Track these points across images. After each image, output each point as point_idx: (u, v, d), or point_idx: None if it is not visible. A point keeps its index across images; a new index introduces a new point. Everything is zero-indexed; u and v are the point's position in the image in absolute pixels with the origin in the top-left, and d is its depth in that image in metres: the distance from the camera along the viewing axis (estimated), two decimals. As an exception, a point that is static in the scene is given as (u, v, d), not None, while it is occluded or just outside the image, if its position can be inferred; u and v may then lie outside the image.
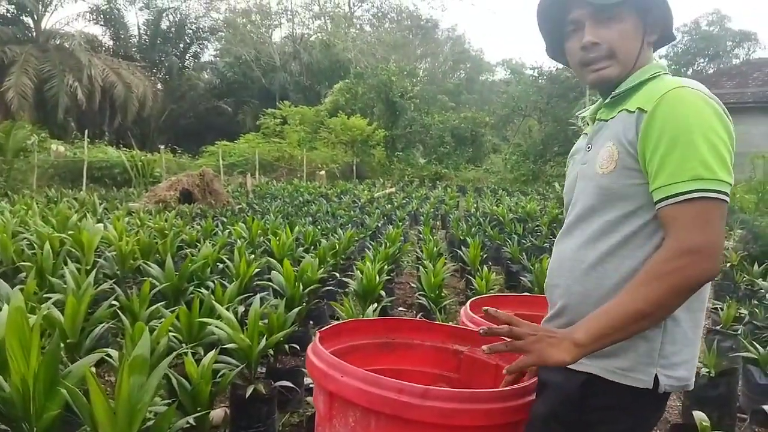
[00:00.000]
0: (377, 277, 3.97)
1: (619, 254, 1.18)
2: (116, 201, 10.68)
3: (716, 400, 2.98)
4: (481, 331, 1.18)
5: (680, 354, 1.16)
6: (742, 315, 4.22)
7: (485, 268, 4.89)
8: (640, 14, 1.24)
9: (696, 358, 1.21)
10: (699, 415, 2.46)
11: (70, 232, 4.54)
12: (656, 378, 1.14)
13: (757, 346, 3.35)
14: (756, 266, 5.80)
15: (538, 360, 1.13)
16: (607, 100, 1.29)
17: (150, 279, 3.56)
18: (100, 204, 8.74)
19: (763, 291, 5.04)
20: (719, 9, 27.13)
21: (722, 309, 4.20)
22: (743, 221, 7.94)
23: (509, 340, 1.17)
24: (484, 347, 1.19)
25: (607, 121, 1.27)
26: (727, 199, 1.08)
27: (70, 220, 5.38)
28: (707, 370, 3.07)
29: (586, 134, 1.38)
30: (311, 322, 3.83)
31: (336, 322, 1.96)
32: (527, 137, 23.38)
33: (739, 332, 3.89)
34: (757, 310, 4.26)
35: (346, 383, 1.43)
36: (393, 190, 16.88)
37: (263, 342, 2.75)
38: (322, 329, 1.79)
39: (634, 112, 1.17)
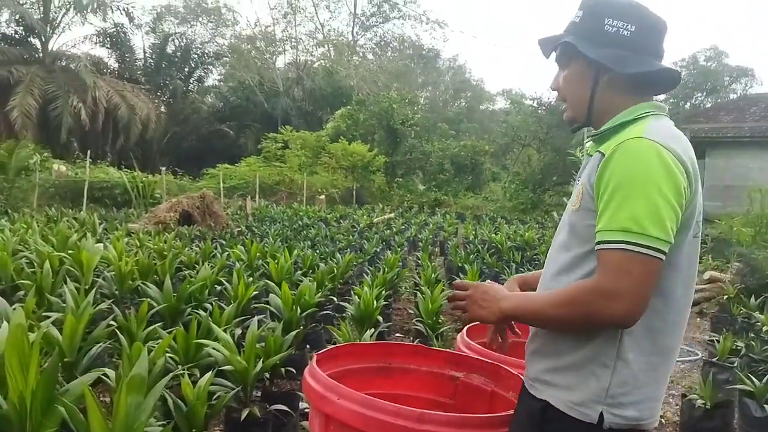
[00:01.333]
0: (375, 302, 3.98)
1: None
2: (116, 221, 10.70)
3: (712, 431, 2.98)
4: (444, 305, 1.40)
5: (629, 395, 1.20)
6: (739, 348, 4.22)
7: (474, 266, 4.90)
8: (585, 57, 1.28)
9: (655, 399, 1.24)
10: (694, 447, 2.46)
11: (69, 252, 4.56)
12: (601, 414, 1.19)
13: (754, 379, 3.35)
14: (753, 299, 5.82)
15: (473, 319, 1.37)
16: (592, 136, 1.35)
17: (148, 300, 3.57)
18: (100, 224, 8.77)
19: (759, 324, 5.05)
20: (717, 45, 27.64)
21: (718, 341, 4.20)
22: (740, 254, 7.97)
23: (456, 302, 1.40)
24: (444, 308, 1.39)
25: (591, 157, 1.33)
26: (655, 254, 1.11)
27: (69, 240, 5.40)
28: (702, 402, 3.07)
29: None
30: (308, 345, 3.83)
31: (333, 346, 1.98)
32: (526, 166, 23.54)
33: (735, 365, 3.89)
34: (753, 343, 4.26)
35: (342, 406, 1.45)
36: (392, 215, 16.93)
37: (260, 365, 2.76)
38: (320, 352, 1.81)
39: (602, 155, 1.22)
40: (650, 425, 1.25)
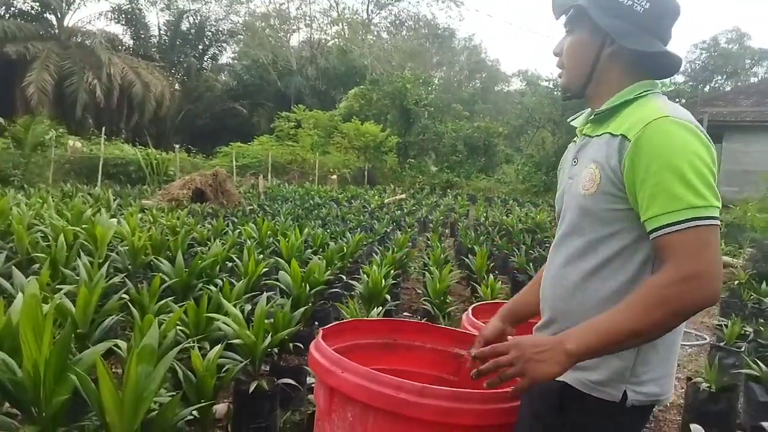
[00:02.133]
0: (383, 280, 4.02)
1: (600, 275, 1.23)
2: (130, 198, 10.82)
3: (716, 415, 2.99)
4: (473, 375, 1.25)
5: (651, 372, 1.22)
6: (747, 333, 4.21)
7: (491, 277, 4.92)
8: (593, 24, 1.26)
9: (670, 374, 1.26)
10: (696, 428, 2.48)
11: (84, 226, 4.63)
12: (625, 393, 1.20)
13: (760, 364, 3.35)
14: (764, 285, 5.78)
15: (533, 380, 1.14)
16: (591, 116, 1.33)
17: (160, 274, 3.63)
18: (114, 200, 8.87)
19: (770, 310, 5.02)
20: (739, 27, 27.02)
21: (726, 326, 4.19)
22: (753, 240, 7.89)
23: (501, 371, 1.19)
24: (484, 385, 1.25)
25: (592, 137, 1.30)
26: (719, 222, 1.12)
27: (84, 215, 5.48)
28: (707, 385, 3.08)
29: (574, 143, 1.42)
30: (316, 322, 3.88)
31: (339, 321, 2.01)
32: (540, 148, 23.34)
33: (742, 349, 3.89)
34: (762, 329, 4.24)
35: (346, 379, 1.48)
36: (403, 196, 16.93)
37: (268, 339, 2.80)
38: (326, 327, 1.84)
39: (617, 136, 1.20)
40: (667, 399, 1.27)
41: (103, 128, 16.32)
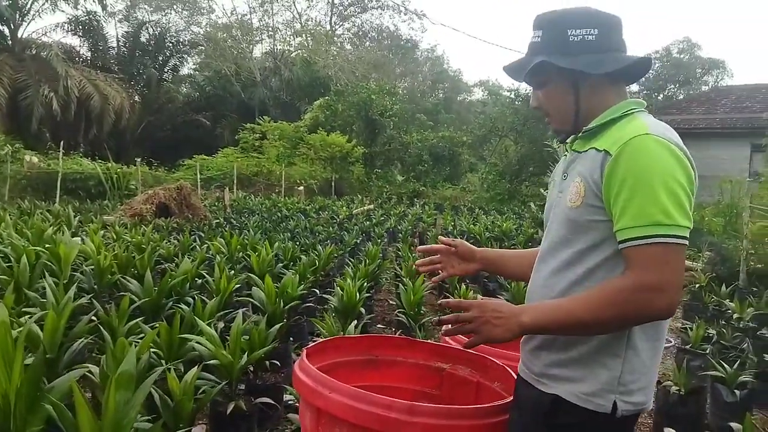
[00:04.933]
0: (357, 294, 4.01)
1: (584, 284, 1.27)
2: (91, 214, 10.51)
3: (686, 417, 3.08)
4: (434, 321, 1.33)
5: (638, 382, 1.26)
6: (711, 335, 4.36)
7: (463, 287, 4.96)
8: (560, 70, 1.31)
9: (653, 383, 1.31)
10: (670, 432, 2.54)
11: (46, 246, 4.48)
12: (615, 403, 1.23)
13: (725, 365, 3.47)
14: (723, 287, 5.99)
15: (486, 340, 1.28)
16: (580, 134, 1.37)
17: (129, 294, 3.53)
18: (75, 216, 8.60)
19: (730, 312, 5.20)
20: (689, 37, 28.00)
21: (691, 329, 4.33)
22: (711, 244, 8.18)
23: (460, 324, 1.30)
24: (442, 331, 1.31)
25: (580, 153, 1.35)
26: (685, 242, 1.17)
27: (45, 233, 5.30)
28: (677, 388, 3.17)
29: (564, 158, 1.46)
30: (291, 338, 3.84)
31: (321, 339, 2.00)
32: (504, 157, 23.73)
33: (707, 352, 4.01)
34: (724, 330, 4.40)
35: (334, 399, 1.46)
36: (371, 206, 16.94)
37: (245, 358, 2.76)
38: (309, 346, 1.82)
39: (601, 152, 1.25)
40: (650, 406, 1.32)
41: (61, 142, 15.81)
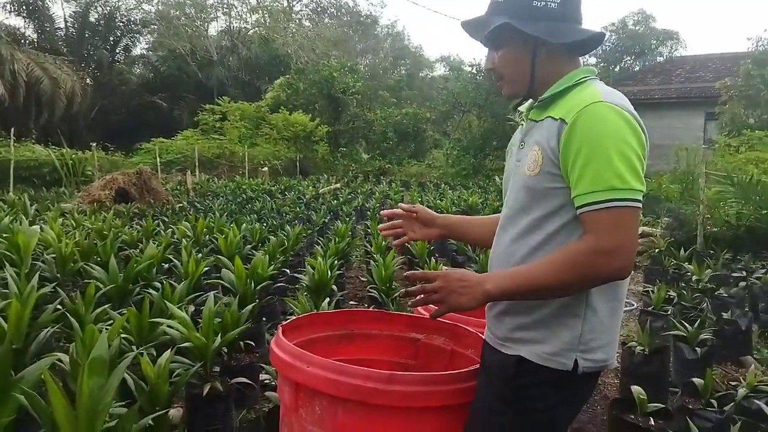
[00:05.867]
0: (329, 272, 4.01)
1: (545, 249, 1.31)
2: (47, 202, 10.17)
3: (650, 375, 3.20)
4: (400, 293, 1.34)
5: (598, 340, 1.31)
6: (671, 297, 4.53)
7: (433, 260, 5.02)
8: (521, 35, 1.32)
9: (615, 341, 1.36)
10: (636, 390, 2.65)
11: (4, 235, 4.32)
12: (576, 361, 1.29)
13: (686, 324, 3.62)
14: (682, 251, 6.21)
15: (452, 309, 1.32)
16: (536, 102, 1.39)
17: (94, 281, 3.44)
18: (31, 205, 8.31)
19: (689, 274, 5.41)
20: (644, 9, 28.39)
21: (653, 292, 4.48)
22: (669, 210, 8.45)
23: (426, 295, 1.34)
24: (410, 303, 1.34)
25: (536, 122, 1.37)
26: (639, 205, 1.21)
27: (2, 223, 5.11)
28: (641, 348, 3.29)
29: (521, 127, 1.48)
30: (264, 318, 3.83)
31: (296, 316, 2.00)
32: (467, 132, 23.83)
33: (669, 313, 4.17)
34: (684, 292, 4.57)
35: (312, 373, 1.47)
36: (338, 185, 16.87)
37: (218, 340, 2.74)
38: (284, 323, 1.82)
39: (557, 120, 1.27)
40: (612, 365, 1.38)
41: (12, 129, 15.14)
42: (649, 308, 4.35)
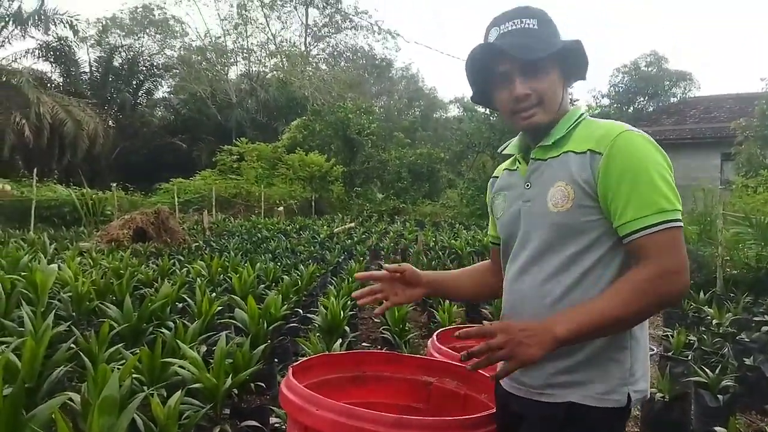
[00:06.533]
0: (342, 312, 3.99)
1: (583, 285, 1.28)
2: (66, 241, 10.33)
3: (671, 424, 3.11)
4: (462, 356, 1.23)
5: (641, 369, 1.31)
6: (692, 341, 4.42)
7: (447, 301, 4.96)
8: (561, 65, 1.36)
9: (649, 368, 1.36)
10: (656, 438, 2.56)
11: (22, 274, 4.38)
12: (628, 395, 1.27)
13: (707, 370, 3.51)
14: (701, 294, 6.09)
15: (522, 363, 1.16)
16: (540, 144, 1.38)
17: (108, 320, 3.47)
18: (50, 244, 8.44)
19: (709, 318, 5.29)
20: (656, 50, 28.62)
21: (672, 336, 4.38)
22: (687, 251, 8.29)
23: (491, 352, 1.18)
24: (468, 366, 1.23)
25: (545, 160, 1.36)
26: (682, 223, 1.25)
27: (21, 261, 5.19)
28: (662, 395, 3.20)
29: (511, 170, 1.49)
30: (276, 359, 3.80)
31: (307, 357, 1.98)
32: (481, 172, 23.90)
33: (689, 358, 4.06)
34: (704, 337, 4.46)
35: (321, 416, 1.45)
36: (352, 225, 16.92)
37: (229, 381, 2.73)
38: (295, 364, 1.81)
39: (584, 153, 1.28)
40: (648, 396, 1.37)
41: (35, 169, 15.54)
42: (669, 353, 4.24)
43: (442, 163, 26.79)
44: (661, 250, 1.20)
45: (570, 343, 1.20)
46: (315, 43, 38.69)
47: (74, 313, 4.08)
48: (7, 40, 23.31)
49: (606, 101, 27.82)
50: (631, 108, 28.21)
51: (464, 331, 1.28)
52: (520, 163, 1.44)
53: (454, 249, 10.24)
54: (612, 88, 28.72)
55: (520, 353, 1.15)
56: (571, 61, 1.37)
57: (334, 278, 6.70)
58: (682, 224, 1.23)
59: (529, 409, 1.34)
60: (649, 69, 28.10)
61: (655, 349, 5.27)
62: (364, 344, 5.06)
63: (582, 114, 1.38)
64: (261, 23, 35.21)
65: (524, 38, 1.32)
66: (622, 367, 1.27)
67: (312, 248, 10.21)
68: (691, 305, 5.92)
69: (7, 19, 23.00)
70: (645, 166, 1.23)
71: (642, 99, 28.73)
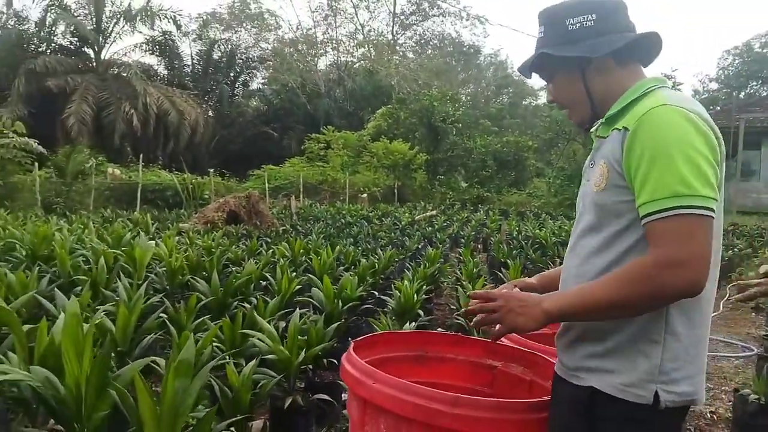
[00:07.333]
0: (415, 295, 4.01)
1: (617, 269, 1.22)
2: (168, 221, 11.09)
3: (766, 428, 2.87)
4: (461, 312, 1.32)
5: (681, 370, 1.19)
6: (796, 342, 4.04)
7: (481, 280, 4.85)
8: (562, 60, 1.31)
9: (701, 372, 1.23)
10: (745, 441, 2.38)
11: (123, 249, 4.76)
12: (657, 394, 1.17)
13: (811, 373, 3.20)
14: (813, 293, 5.54)
15: (510, 329, 1.29)
16: (602, 119, 1.34)
17: (197, 293, 3.70)
18: (153, 224, 9.09)
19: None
20: (773, 30, 26.19)
21: (774, 336, 4.03)
22: None
23: (485, 315, 1.32)
24: (471, 324, 1.33)
25: (604, 138, 1.31)
26: (710, 213, 1.10)
27: (123, 238, 5.64)
28: (756, 397, 2.96)
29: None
30: (350, 338, 3.87)
31: (371, 334, 2.01)
32: (572, 161, 23.04)
33: (792, 360, 3.73)
34: (812, 338, 4.06)
35: (378, 390, 1.47)
36: (434, 213, 16.89)
37: (302, 355, 2.82)
38: (357, 339, 1.84)
39: (621, 130, 1.21)
40: (700, 401, 1.24)
41: (141, 155, 16.80)
42: (769, 354, 3.91)
43: (530, 152, 26.07)
44: (666, 238, 1.09)
45: (559, 319, 1.26)
46: (402, 32, 38.80)
47: (168, 286, 4.38)
48: (118, 35, 25.24)
49: (714, 85, 25.84)
50: (743, 93, 26.01)
51: (473, 292, 1.42)
52: (594, 140, 1.41)
53: (539, 239, 9.95)
54: (721, 72, 26.65)
55: (509, 320, 1.27)
56: (582, 45, 1.28)
57: (412, 264, 6.72)
58: (704, 213, 1.09)
59: (561, 388, 1.33)
60: (765, 50, 25.74)
61: (754, 349, 4.88)
62: (439, 329, 5.04)
63: (650, 87, 1.27)
64: (350, 13, 35.81)
65: (535, 52, 1.37)
66: (650, 362, 1.18)
67: (392, 234, 10.30)
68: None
69: (118, 15, 24.86)
70: (667, 144, 1.11)
71: (755, 83, 26.42)
